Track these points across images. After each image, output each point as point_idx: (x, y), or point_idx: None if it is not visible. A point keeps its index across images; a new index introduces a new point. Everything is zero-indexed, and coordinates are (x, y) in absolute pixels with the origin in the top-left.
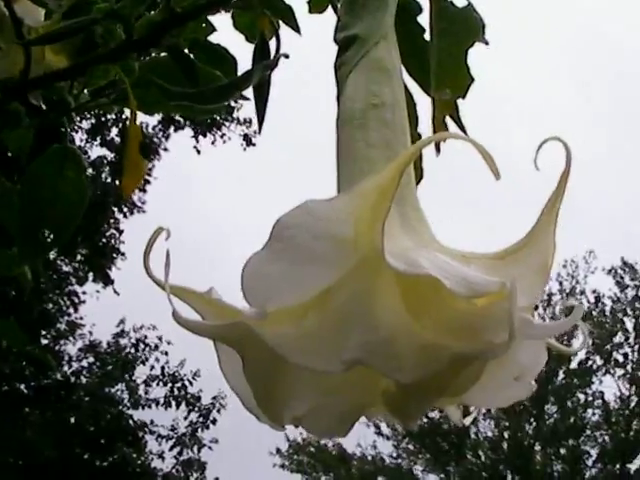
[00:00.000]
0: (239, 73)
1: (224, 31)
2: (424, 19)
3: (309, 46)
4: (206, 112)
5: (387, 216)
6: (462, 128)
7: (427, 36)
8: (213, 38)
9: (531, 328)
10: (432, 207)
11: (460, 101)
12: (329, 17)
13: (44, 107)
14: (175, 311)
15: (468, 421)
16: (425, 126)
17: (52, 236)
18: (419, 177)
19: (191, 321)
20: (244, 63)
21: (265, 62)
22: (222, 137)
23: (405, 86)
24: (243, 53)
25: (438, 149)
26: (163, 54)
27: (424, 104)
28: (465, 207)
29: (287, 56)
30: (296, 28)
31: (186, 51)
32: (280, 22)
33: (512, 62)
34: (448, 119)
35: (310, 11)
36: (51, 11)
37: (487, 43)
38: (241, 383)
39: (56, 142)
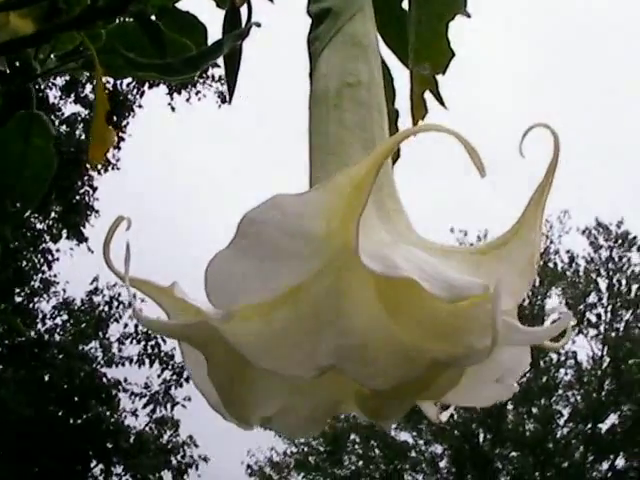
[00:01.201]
0: (210, 41)
1: None
2: None
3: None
4: (176, 79)
5: (362, 213)
6: (442, 103)
7: (405, 4)
8: (183, 4)
9: (516, 333)
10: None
11: None
12: None
13: (9, 72)
14: (135, 310)
15: (445, 417)
16: (403, 99)
17: (18, 205)
18: (395, 157)
19: (153, 321)
20: (216, 29)
21: (236, 32)
22: (197, 94)
23: (382, 59)
24: (215, 19)
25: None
26: (130, 20)
27: (402, 75)
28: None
29: (259, 25)
30: None
31: (154, 18)
32: None
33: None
34: (427, 94)
35: None
36: None
37: (469, 16)
38: (207, 382)
39: (23, 108)
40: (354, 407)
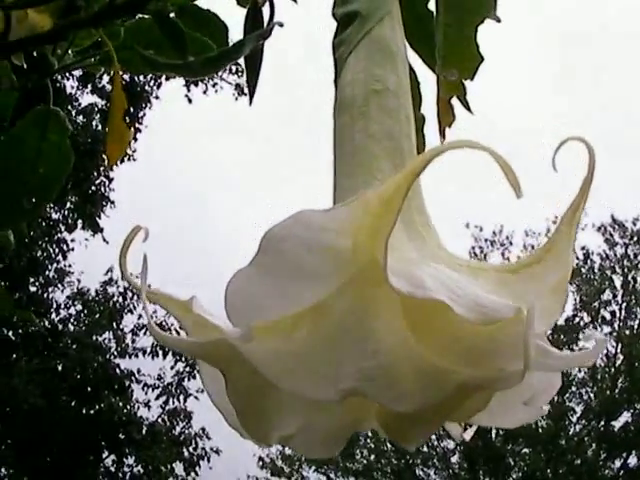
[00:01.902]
0: (230, 39)
1: None
2: None
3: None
4: (195, 78)
5: (391, 232)
6: (468, 109)
7: (431, 5)
8: (203, 2)
9: (548, 358)
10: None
11: None
12: None
13: (26, 67)
14: (151, 325)
15: (468, 435)
16: (429, 104)
17: (34, 200)
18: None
19: (170, 337)
20: (237, 27)
21: (257, 32)
22: (214, 86)
23: (409, 63)
24: (237, 17)
25: (443, 135)
26: (149, 16)
27: (427, 78)
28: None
29: (281, 24)
30: None
31: (173, 16)
32: None
33: None
34: (454, 100)
35: None
36: None
37: (499, 20)
38: (225, 400)
39: (40, 103)
40: (376, 425)
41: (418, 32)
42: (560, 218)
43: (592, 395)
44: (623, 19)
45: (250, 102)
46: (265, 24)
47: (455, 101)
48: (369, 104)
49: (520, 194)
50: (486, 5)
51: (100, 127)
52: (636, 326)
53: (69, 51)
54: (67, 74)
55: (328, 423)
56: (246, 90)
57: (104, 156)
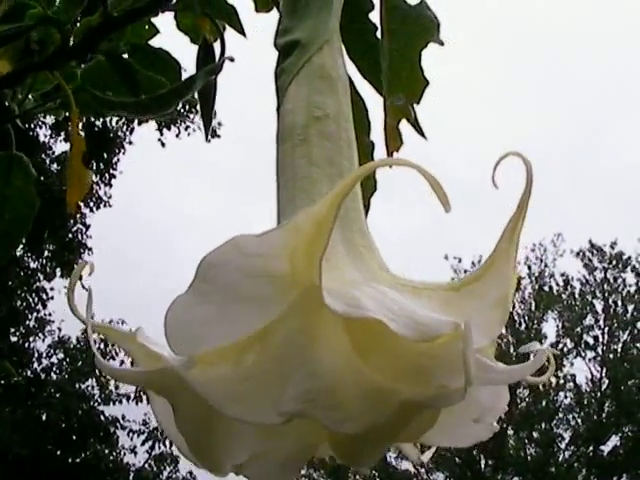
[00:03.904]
0: (184, 77)
1: (172, 31)
2: (376, 16)
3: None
4: (149, 117)
5: (325, 251)
6: (421, 133)
7: (379, 34)
8: (160, 40)
9: (490, 372)
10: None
11: None
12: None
13: None
14: (97, 358)
15: (427, 457)
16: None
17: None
18: (373, 189)
19: (115, 369)
20: (191, 64)
21: (208, 67)
22: (186, 129)
23: (356, 90)
24: (189, 55)
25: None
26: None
27: (379, 104)
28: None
29: (232, 59)
30: (240, 29)
31: (127, 56)
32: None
33: None
34: (403, 123)
35: (256, 10)
36: None
37: (442, 43)
38: (177, 431)
39: (2, 149)
40: (329, 451)
41: (368, 61)
42: (500, 235)
43: (579, 420)
44: None
45: (206, 137)
46: (217, 60)
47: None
48: (309, 130)
49: (449, 209)
50: (429, 30)
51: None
52: (619, 349)
53: (29, 96)
54: (39, 122)
55: (281, 450)
56: (219, 132)
57: (80, 203)
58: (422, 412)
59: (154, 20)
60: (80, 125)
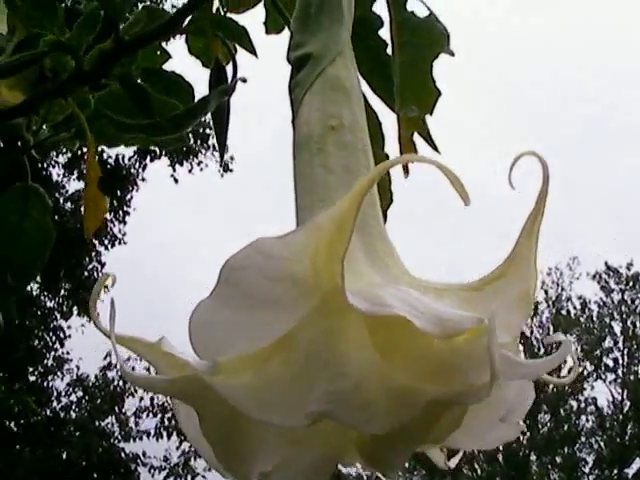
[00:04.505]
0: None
1: (183, 56)
2: (386, 33)
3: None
4: (170, 142)
5: (347, 251)
6: (433, 146)
7: (390, 50)
8: (174, 64)
9: (515, 367)
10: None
11: None
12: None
13: (3, 147)
14: (123, 369)
15: (453, 463)
16: (393, 145)
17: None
18: (389, 201)
19: (140, 377)
20: (203, 88)
21: (221, 87)
22: (199, 165)
23: (369, 104)
24: (202, 79)
25: (406, 171)
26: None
27: (391, 121)
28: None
29: (245, 80)
30: (252, 50)
31: (140, 81)
32: (237, 46)
33: None
34: (417, 136)
35: (267, 32)
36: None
37: (452, 54)
38: (202, 439)
39: (18, 181)
40: (356, 458)
41: (379, 77)
42: (520, 231)
43: (602, 444)
44: None
45: (221, 160)
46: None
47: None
48: (326, 140)
49: (468, 202)
50: (439, 41)
51: None
52: None
53: (43, 126)
54: (52, 161)
55: (307, 458)
56: (231, 166)
57: (95, 241)
58: (448, 411)
59: (165, 46)
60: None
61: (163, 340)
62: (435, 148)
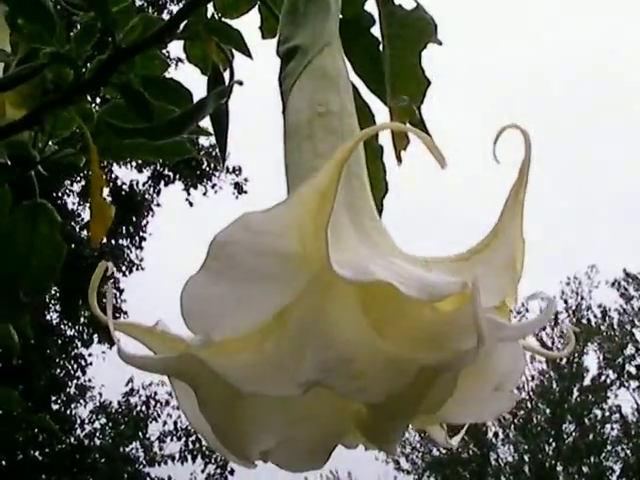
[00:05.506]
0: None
1: (183, 66)
2: (378, 30)
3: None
4: (172, 149)
5: (330, 218)
6: (426, 132)
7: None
8: (176, 73)
9: (501, 330)
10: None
11: None
12: None
13: (10, 164)
14: (120, 348)
15: (456, 441)
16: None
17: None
18: (384, 191)
19: (136, 357)
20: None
21: (218, 89)
22: (213, 187)
23: (362, 98)
24: (201, 88)
25: (399, 159)
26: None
27: (385, 117)
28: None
29: (241, 83)
30: (247, 52)
31: (140, 89)
32: (234, 51)
33: None
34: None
35: (263, 37)
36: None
37: (440, 43)
38: (201, 419)
39: (27, 198)
40: (356, 438)
41: (372, 72)
42: (504, 202)
43: (629, 452)
44: None
45: (223, 164)
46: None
47: None
48: (314, 126)
49: (444, 165)
50: (427, 32)
51: (105, 240)
52: None
53: (49, 143)
54: (67, 190)
55: (307, 436)
56: (245, 187)
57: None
58: (440, 379)
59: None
60: (106, 191)
61: (159, 323)
62: (428, 134)
